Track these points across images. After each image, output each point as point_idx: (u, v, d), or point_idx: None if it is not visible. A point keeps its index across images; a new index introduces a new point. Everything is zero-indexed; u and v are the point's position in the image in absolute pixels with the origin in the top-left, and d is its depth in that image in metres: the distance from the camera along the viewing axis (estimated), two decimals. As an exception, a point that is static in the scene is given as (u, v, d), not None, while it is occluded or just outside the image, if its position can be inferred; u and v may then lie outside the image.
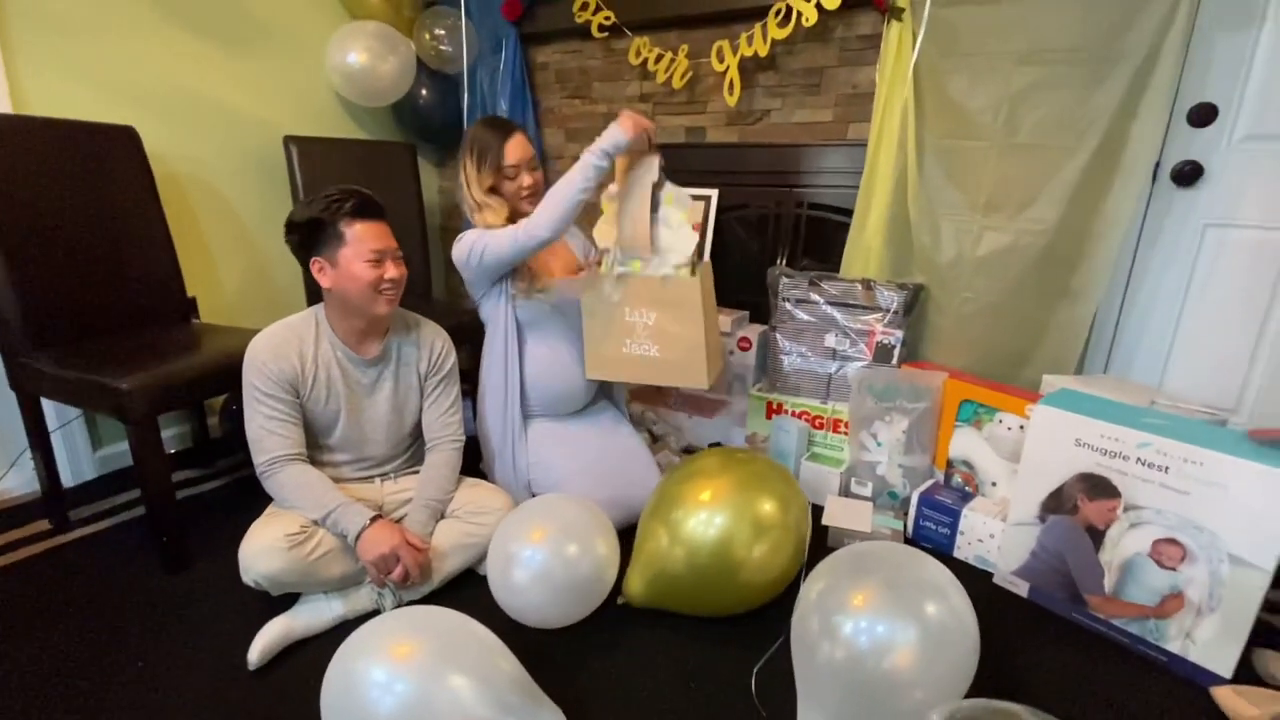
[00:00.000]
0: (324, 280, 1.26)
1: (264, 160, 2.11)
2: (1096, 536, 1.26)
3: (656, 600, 1.24)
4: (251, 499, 1.29)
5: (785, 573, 1.23)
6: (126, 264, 1.67)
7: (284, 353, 1.26)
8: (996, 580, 1.44)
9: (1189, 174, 1.63)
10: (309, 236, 1.24)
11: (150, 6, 1.84)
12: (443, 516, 1.37)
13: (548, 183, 1.50)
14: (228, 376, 1.31)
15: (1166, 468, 1.16)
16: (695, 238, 1.47)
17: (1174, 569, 1.17)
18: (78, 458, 1.81)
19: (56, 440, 1.66)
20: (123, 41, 1.81)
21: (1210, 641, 1.14)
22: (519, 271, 1.53)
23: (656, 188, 1.46)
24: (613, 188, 1.48)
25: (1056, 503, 1.31)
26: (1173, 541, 1.16)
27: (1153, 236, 1.71)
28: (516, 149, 1.51)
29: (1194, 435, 1.16)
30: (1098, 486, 1.25)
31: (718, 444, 2.04)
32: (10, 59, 1.61)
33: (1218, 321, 1.67)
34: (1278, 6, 1.48)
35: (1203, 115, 1.60)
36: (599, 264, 1.50)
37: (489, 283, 1.53)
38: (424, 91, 2.44)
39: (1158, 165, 1.65)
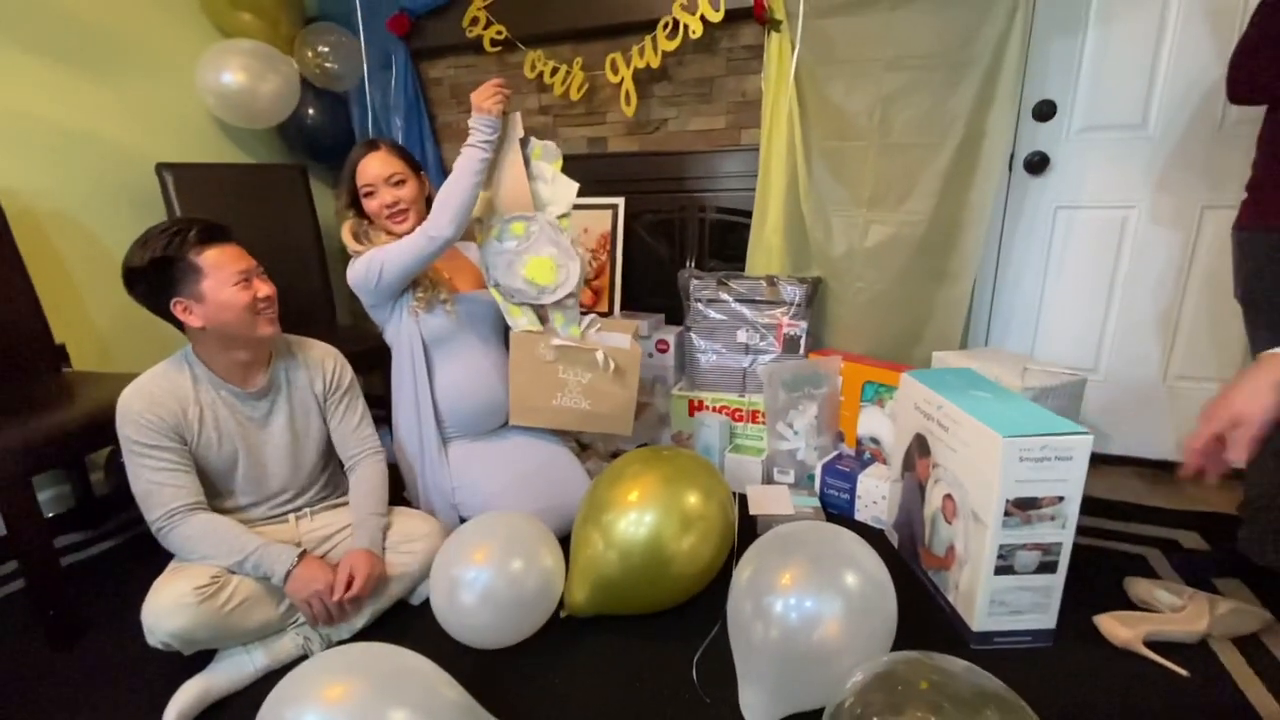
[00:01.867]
0: (193, 320, 1.16)
1: (135, 191, 1.95)
2: (923, 492, 1.36)
3: (598, 607, 1.25)
4: (148, 557, 1.19)
5: (715, 560, 1.27)
6: (-22, 313, 1.50)
7: (159, 399, 1.17)
8: (886, 535, 1.56)
9: (1038, 163, 1.83)
10: (158, 280, 1.13)
11: (-14, 29, 1.67)
12: (388, 528, 1.33)
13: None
14: (109, 427, 1.19)
15: (947, 428, 1.25)
16: (574, 185, 1.50)
17: (951, 523, 1.25)
18: (-67, 535, 1.60)
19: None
20: (-46, 68, 1.63)
21: (964, 591, 1.21)
22: (419, 283, 1.49)
23: (523, 144, 1.45)
24: None
25: (908, 461, 1.43)
26: (950, 497, 1.25)
27: (1014, 220, 1.91)
28: (372, 165, 1.46)
29: (965, 398, 1.23)
30: (923, 446, 1.35)
31: (645, 445, 2.07)
32: None
33: (1074, 291, 1.89)
34: (1098, 12, 1.70)
35: (1044, 111, 1.80)
36: (476, 235, 1.50)
37: (391, 300, 1.49)
38: (311, 110, 2.34)
39: (1012, 157, 1.84)
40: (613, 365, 1.51)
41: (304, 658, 1.19)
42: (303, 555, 1.18)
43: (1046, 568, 1.14)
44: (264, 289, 1.21)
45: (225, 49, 2.09)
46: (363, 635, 1.25)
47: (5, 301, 1.57)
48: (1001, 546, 1.12)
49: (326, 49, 2.23)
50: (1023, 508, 1.10)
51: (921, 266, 1.83)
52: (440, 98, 2.43)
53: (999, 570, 1.14)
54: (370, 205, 1.48)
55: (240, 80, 2.07)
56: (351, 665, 0.89)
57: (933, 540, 1.32)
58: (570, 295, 1.51)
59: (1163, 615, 1.21)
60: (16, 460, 1.20)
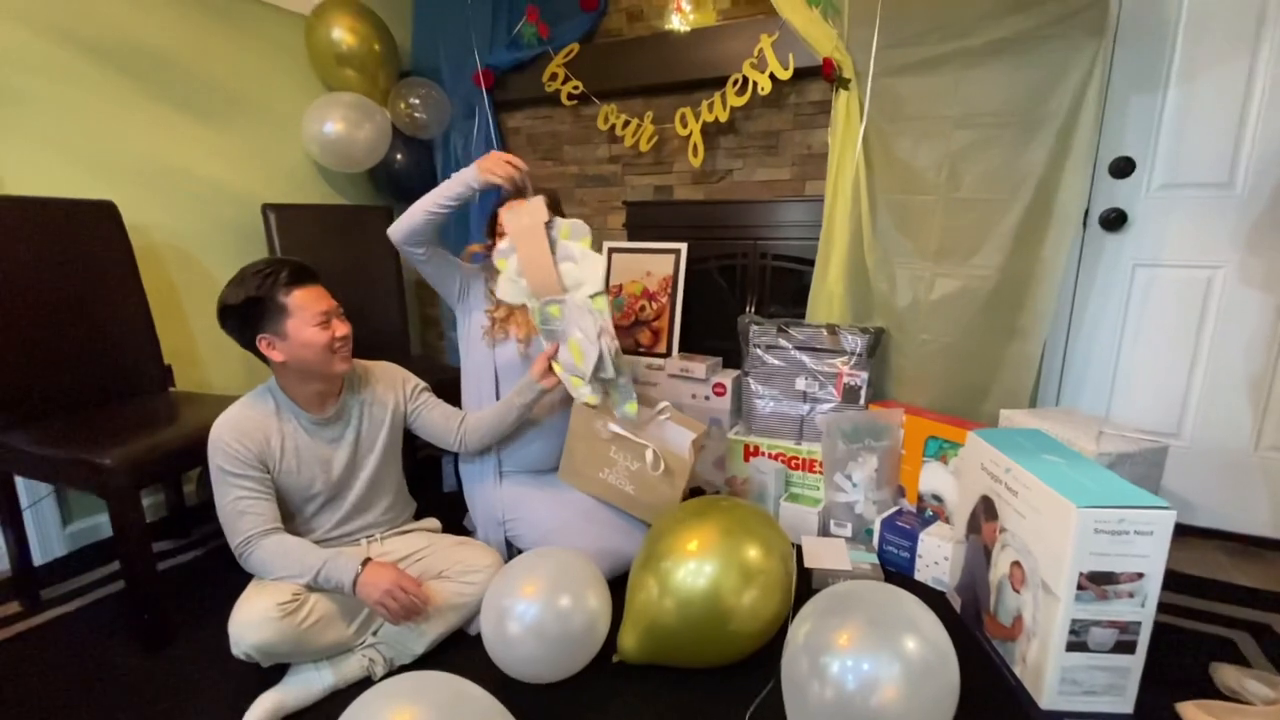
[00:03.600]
0: (276, 355, 1.26)
1: (242, 228, 2.14)
2: (989, 557, 1.31)
3: (651, 655, 1.25)
4: (231, 567, 1.28)
5: (774, 620, 1.26)
6: (104, 336, 1.67)
7: (247, 430, 1.27)
8: (948, 598, 1.51)
9: (1114, 220, 1.79)
10: (248, 317, 1.23)
11: (130, 83, 1.90)
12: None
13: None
14: (205, 447, 1.31)
15: (1016, 492, 1.20)
16: (602, 260, 1.46)
17: (1019, 591, 1.20)
18: (47, 534, 1.76)
19: (26, 518, 1.62)
20: (102, 118, 1.85)
21: (1032, 665, 1.15)
22: (493, 323, 1.59)
23: (549, 227, 1.44)
24: (503, 244, 1.48)
25: (973, 523, 1.38)
26: (1018, 564, 1.19)
27: (1089, 277, 1.86)
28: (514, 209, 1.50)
29: (1036, 461, 1.19)
30: (990, 508, 1.30)
31: (699, 490, 2.08)
32: (-11, 139, 1.64)
33: (1154, 352, 1.81)
34: (1180, 70, 1.67)
35: (1122, 167, 1.77)
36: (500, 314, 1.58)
37: (421, 248, 1.53)
38: (399, 156, 2.52)
39: (1087, 213, 1.81)
40: (662, 466, 1.50)
41: (368, 679, 1.25)
42: (366, 562, 1.24)
43: (1124, 647, 1.09)
44: (341, 329, 1.31)
45: (329, 101, 2.29)
46: (422, 662, 1.30)
47: (126, 326, 1.74)
48: (1074, 621, 1.08)
49: (417, 100, 2.41)
50: (1098, 582, 1.06)
51: (990, 321, 1.80)
52: (517, 146, 2.58)
53: (1071, 646, 1.09)
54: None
55: (340, 129, 2.26)
56: (415, 691, 0.93)
57: (999, 608, 1.28)
58: (620, 374, 1.49)
59: (1253, 708, 1.12)
60: (129, 474, 1.32)
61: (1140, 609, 1.07)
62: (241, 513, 1.24)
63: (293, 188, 2.36)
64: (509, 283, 1.47)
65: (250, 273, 1.25)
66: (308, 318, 1.25)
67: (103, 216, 1.73)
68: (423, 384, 1.53)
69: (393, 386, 1.47)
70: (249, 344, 1.27)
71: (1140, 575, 1.05)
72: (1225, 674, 1.21)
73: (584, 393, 1.50)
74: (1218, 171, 1.67)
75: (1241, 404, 1.73)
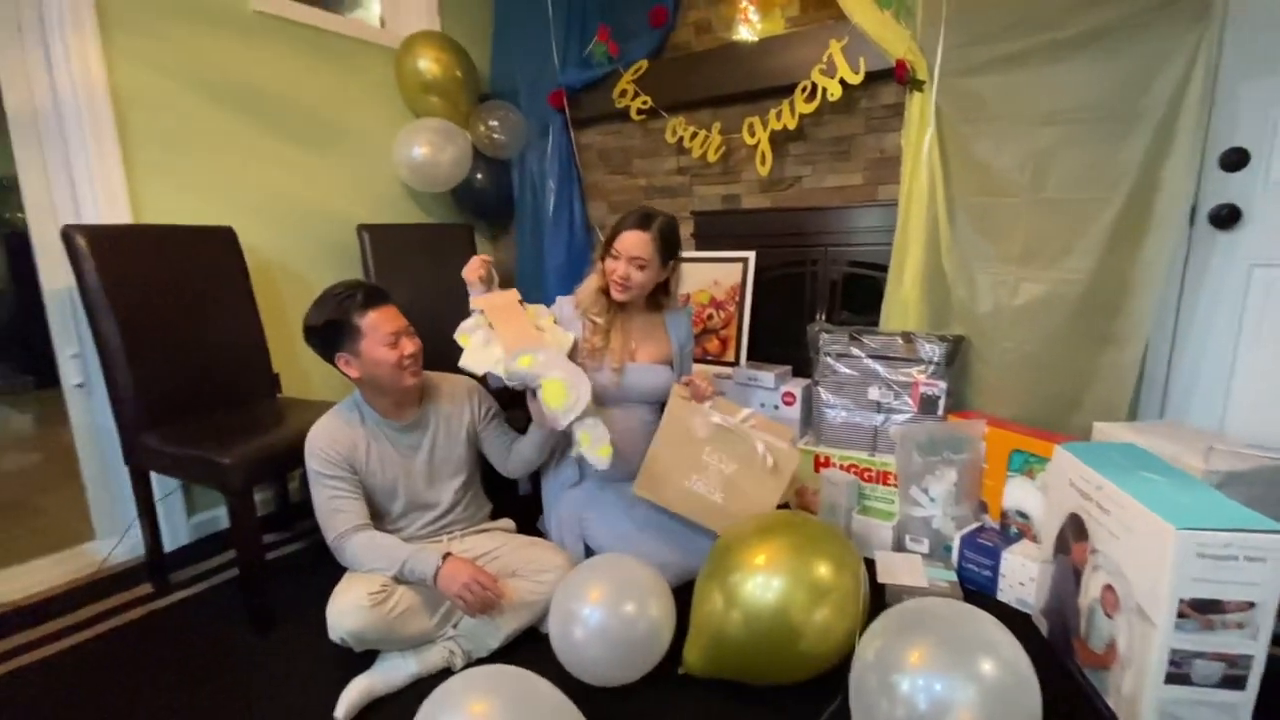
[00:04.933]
0: (351, 372, 1.37)
1: (340, 246, 2.33)
2: (1079, 579, 1.23)
3: (716, 668, 1.25)
4: (328, 560, 1.40)
5: (846, 640, 1.21)
6: (223, 347, 1.86)
7: (337, 437, 1.39)
8: (1034, 621, 1.43)
9: (1227, 217, 1.64)
10: (328, 337, 1.35)
11: (244, 121, 2.11)
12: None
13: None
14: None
15: (1109, 511, 1.13)
16: (570, 335, 1.57)
17: (1112, 616, 1.12)
18: (175, 524, 1.97)
19: (160, 509, 1.82)
20: (221, 151, 2.06)
21: (1127, 696, 1.08)
22: (590, 349, 1.61)
23: (521, 304, 1.57)
24: (467, 322, 1.53)
25: (1061, 543, 1.30)
26: (1111, 588, 1.12)
27: (1198, 279, 1.71)
28: (631, 240, 1.55)
29: (1131, 479, 1.11)
30: (1079, 528, 1.23)
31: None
32: (132, 175, 1.87)
33: (1275, 359, 1.64)
34: (1300, 54, 1.52)
35: (1235, 160, 1.62)
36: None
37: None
38: (479, 175, 2.65)
39: (1195, 210, 1.67)
40: (771, 461, 1.49)
41: (448, 670, 1.32)
42: (447, 556, 1.32)
43: (1233, 682, 1.00)
44: (410, 347, 1.40)
45: (416, 127, 2.45)
46: (497, 655, 1.36)
47: (241, 337, 1.93)
48: (1174, 652, 1.00)
49: (495, 122, 2.54)
50: (1201, 610, 0.98)
51: (1081, 328, 1.69)
52: (589, 161, 2.66)
53: (1171, 679, 1.02)
54: (609, 264, 1.61)
55: (426, 153, 2.41)
56: (491, 685, 0.99)
57: (1090, 633, 1.20)
58: (593, 418, 1.48)
59: (1398, 761, 1.00)
60: (247, 471, 1.47)
61: (1251, 641, 0.98)
62: (335, 510, 1.36)
63: (384, 208, 2.54)
64: (475, 352, 1.49)
65: (329, 295, 1.36)
66: (379, 338, 1.35)
67: (222, 240, 1.93)
68: (496, 406, 1.60)
69: (468, 400, 1.56)
70: (329, 360, 1.38)
71: (1251, 605, 0.97)
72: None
73: (596, 438, 1.48)
74: (1350, 160, 1.51)
75: (1384, 419, 1.54)
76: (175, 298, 1.76)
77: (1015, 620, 1.39)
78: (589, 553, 1.61)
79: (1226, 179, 1.64)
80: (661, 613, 1.27)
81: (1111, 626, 1.13)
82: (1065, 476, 1.29)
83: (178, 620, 1.60)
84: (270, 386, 1.99)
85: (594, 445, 1.48)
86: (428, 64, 2.44)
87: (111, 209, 1.81)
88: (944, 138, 1.78)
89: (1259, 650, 0.98)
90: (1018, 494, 1.61)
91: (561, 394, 1.45)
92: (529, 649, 1.39)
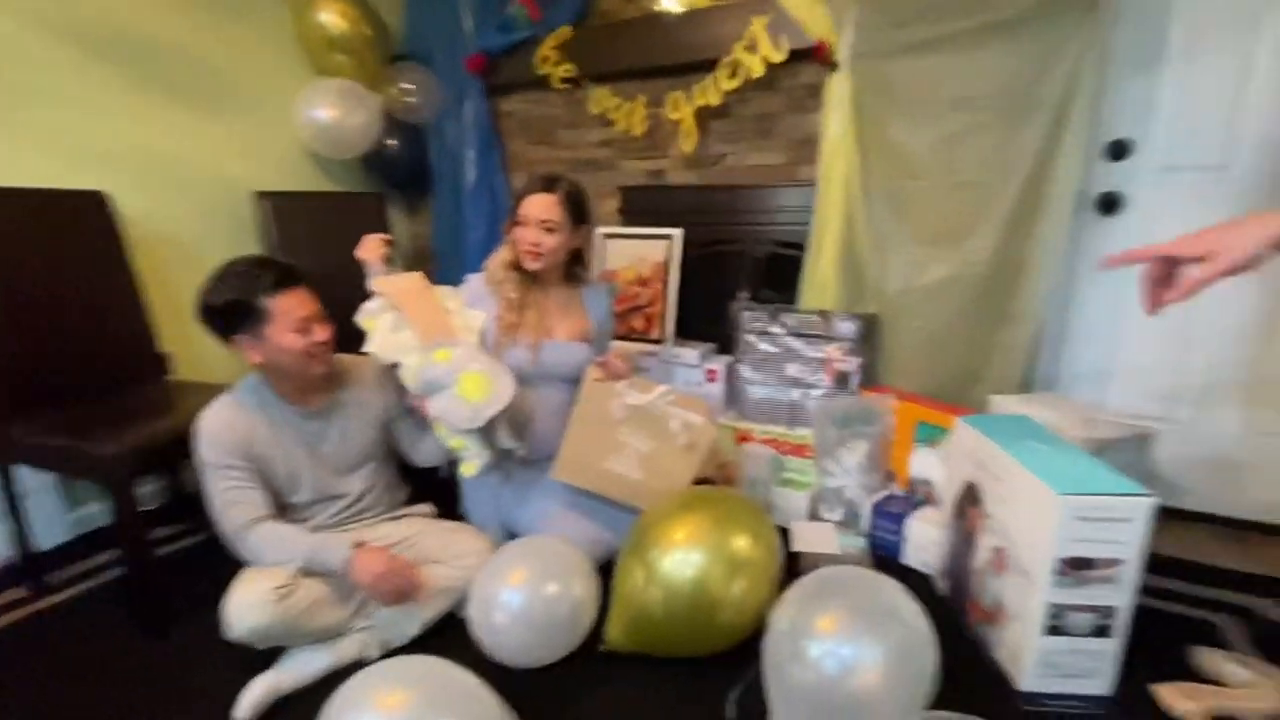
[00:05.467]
0: (253, 356, 1.27)
1: (236, 216, 2.14)
2: (972, 542, 1.32)
3: (638, 644, 1.27)
4: (228, 554, 1.31)
5: (762, 609, 1.24)
6: (98, 326, 1.69)
7: (232, 423, 1.28)
8: (934, 582, 1.52)
9: (1111, 203, 1.77)
10: (230, 318, 1.24)
11: (117, 72, 1.89)
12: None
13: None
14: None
15: (1000, 478, 1.21)
16: (481, 315, 1.53)
17: (999, 576, 1.21)
18: (51, 521, 1.79)
19: (30, 504, 1.65)
20: (90, 107, 1.84)
21: (1012, 648, 1.18)
22: (504, 326, 1.55)
23: (427, 289, 1.52)
24: (370, 304, 1.46)
25: (959, 508, 1.39)
26: (1000, 550, 1.21)
27: (1085, 261, 1.85)
28: (536, 203, 1.51)
29: (1021, 448, 1.19)
30: (974, 495, 1.31)
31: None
32: (-23, 130, 1.64)
33: (1149, 338, 1.80)
34: (1179, 50, 1.64)
35: (1118, 150, 1.75)
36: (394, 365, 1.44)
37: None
38: (392, 141, 2.50)
39: (1083, 196, 1.79)
40: (685, 438, 1.49)
41: (362, 661, 1.27)
42: (358, 545, 1.26)
43: (1102, 631, 1.10)
44: (321, 335, 1.30)
45: (321, 87, 2.27)
46: (415, 644, 1.33)
47: (119, 315, 1.76)
48: (1052, 606, 1.09)
49: (409, 85, 2.40)
50: (1077, 568, 1.07)
51: (983, 306, 1.79)
52: (510, 129, 2.56)
53: (1050, 630, 1.11)
54: (517, 233, 1.55)
55: (331, 115, 2.25)
56: (406, 676, 0.95)
57: (982, 592, 1.29)
58: (477, 432, 1.43)
59: (1231, 690, 1.14)
60: (127, 464, 1.35)
61: (1118, 594, 1.08)
62: (232, 502, 1.26)
63: (285, 175, 2.35)
64: (384, 338, 1.42)
65: (232, 272, 1.25)
66: (288, 323, 1.25)
67: (92, 207, 1.73)
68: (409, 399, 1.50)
69: (380, 386, 1.47)
70: (226, 342, 1.28)
71: (1118, 561, 1.06)
72: (1205, 657, 1.23)
73: (469, 453, 1.44)
74: (1214, 154, 1.65)
75: (1234, 390, 1.72)
76: (36, 271, 1.58)
77: (917, 581, 1.49)
78: (512, 537, 1.59)
79: (1111, 167, 1.77)
80: (585, 592, 1.27)
81: (1000, 585, 1.22)
82: (963, 447, 1.37)
83: (57, 624, 1.47)
84: (157, 368, 1.83)
85: (468, 459, 1.44)
86: (332, 18, 2.26)
87: (-47, 168, 1.59)
88: (861, 120, 1.82)
89: (1124, 601, 1.08)
90: (922, 463, 1.71)
91: (484, 386, 1.39)
92: (449, 634, 1.36)
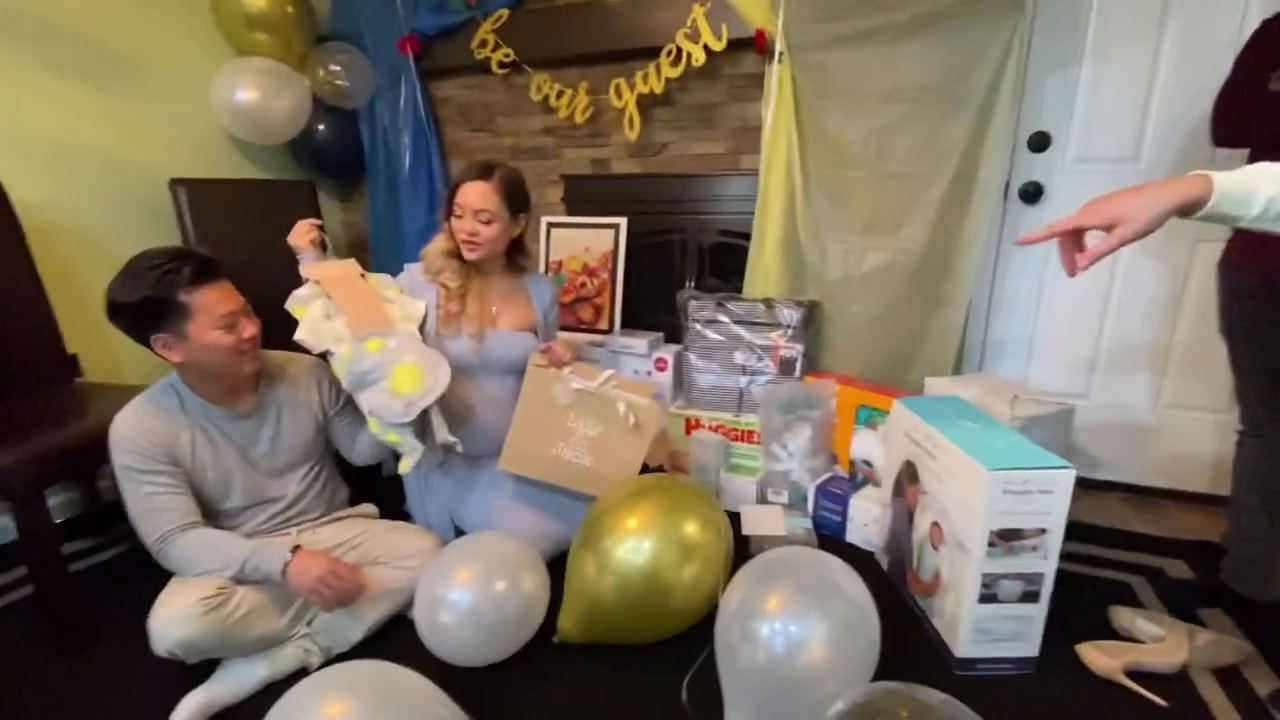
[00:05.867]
0: (173, 355, 1.17)
1: (149, 205, 2.00)
2: (911, 518, 1.38)
3: (591, 634, 1.27)
4: (155, 565, 1.22)
5: (713, 593, 1.27)
6: (-4, 325, 1.55)
7: (151, 426, 1.19)
8: (876, 558, 1.58)
9: (1033, 193, 1.87)
10: (145, 316, 1.13)
11: (12, 49, 1.72)
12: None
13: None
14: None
15: (935, 456, 1.27)
16: (420, 303, 1.49)
17: (938, 549, 1.27)
18: (-55, 539, 1.64)
19: (-81, 523, 1.51)
20: (-22, 86, 1.68)
21: (949, 617, 1.23)
22: (446, 315, 1.51)
23: (362, 276, 1.46)
24: (301, 291, 1.40)
25: (898, 487, 1.45)
26: (937, 524, 1.27)
27: (1009, 249, 1.94)
28: (472, 192, 1.47)
29: (953, 427, 1.25)
30: (912, 472, 1.37)
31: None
32: None
33: (1066, 319, 1.92)
34: (1093, 48, 1.74)
35: (1039, 142, 1.84)
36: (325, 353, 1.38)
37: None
38: (321, 127, 2.39)
39: (1008, 186, 1.88)
40: (633, 420, 1.48)
41: (304, 670, 1.22)
42: (296, 549, 1.19)
43: (1029, 597, 1.17)
44: (249, 329, 1.23)
45: (240, 67, 2.14)
46: (360, 649, 1.28)
47: (20, 313, 1.62)
48: (985, 575, 1.15)
49: (338, 67, 2.28)
50: (1006, 538, 1.13)
51: (916, 292, 1.86)
52: (447, 116, 2.48)
53: (983, 599, 1.17)
54: (454, 224, 1.51)
55: (254, 98, 2.12)
56: (349, 683, 0.92)
57: (920, 566, 1.35)
58: (414, 435, 1.38)
59: (1144, 645, 1.23)
60: (30, 474, 1.24)
61: (1043, 561, 1.14)
62: (154, 509, 1.18)
63: (204, 161, 2.21)
64: (314, 325, 1.36)
65: (146, 267, 1.13)
66: (212, 319, 1.16)
67: (-16, 194, 1.58)
68: (346, 394, 1.43)
69: (315, 382, 1.40)
70: (143, 342, 1.17)
71: (1043, 530, 1.13)
72: (1121, 616, 1.32)
73: (403, 448, 1.39)
74: (1125, 146, 1.76)
75: (1143, 366, 1.85)
76: (-81, 265, 1.43)
77: (860, 558, 1.54)
78: (460, 534, 1.56)
79: (1033, 159, 1.86)
80: (535, 586, 1.25)
81: (937, 558, 1.27)
82: (901, 427, 1.42)
83: (-43, 649, 1.34)
84: (65, 371, 1.69)
85: (405, 454, 1.39)
86: (250, -6, 2.13)
87: None
88: (800, 110, 1.85)
89: (1049, 568, 1.15)
90: (863, 445, 1.76)
91: (416, 378, 1.33)
92: (394, 636, 1.32)
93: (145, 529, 1.19)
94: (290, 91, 2.20)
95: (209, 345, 1.17)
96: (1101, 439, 1.91)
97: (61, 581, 1.33)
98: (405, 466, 1.40)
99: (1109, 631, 1.31)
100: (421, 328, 1.46)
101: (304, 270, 1.43)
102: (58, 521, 1.80)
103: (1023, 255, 1.92)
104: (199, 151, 2.20)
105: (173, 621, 1.11)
